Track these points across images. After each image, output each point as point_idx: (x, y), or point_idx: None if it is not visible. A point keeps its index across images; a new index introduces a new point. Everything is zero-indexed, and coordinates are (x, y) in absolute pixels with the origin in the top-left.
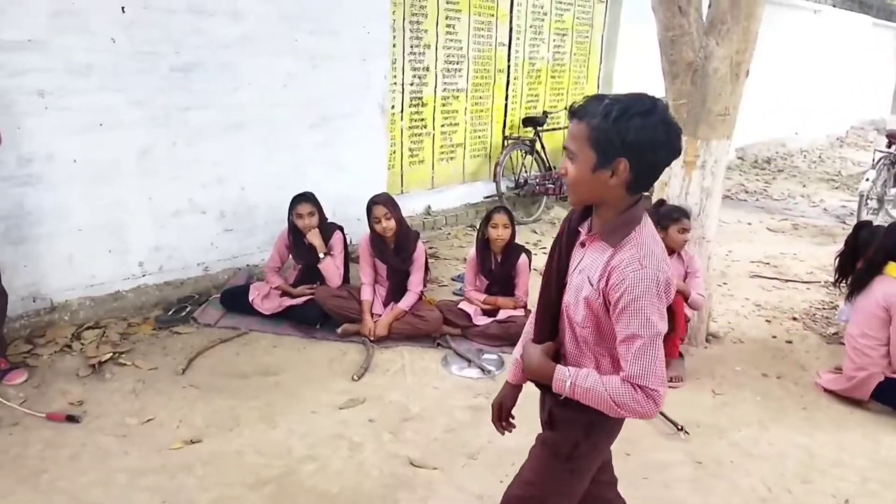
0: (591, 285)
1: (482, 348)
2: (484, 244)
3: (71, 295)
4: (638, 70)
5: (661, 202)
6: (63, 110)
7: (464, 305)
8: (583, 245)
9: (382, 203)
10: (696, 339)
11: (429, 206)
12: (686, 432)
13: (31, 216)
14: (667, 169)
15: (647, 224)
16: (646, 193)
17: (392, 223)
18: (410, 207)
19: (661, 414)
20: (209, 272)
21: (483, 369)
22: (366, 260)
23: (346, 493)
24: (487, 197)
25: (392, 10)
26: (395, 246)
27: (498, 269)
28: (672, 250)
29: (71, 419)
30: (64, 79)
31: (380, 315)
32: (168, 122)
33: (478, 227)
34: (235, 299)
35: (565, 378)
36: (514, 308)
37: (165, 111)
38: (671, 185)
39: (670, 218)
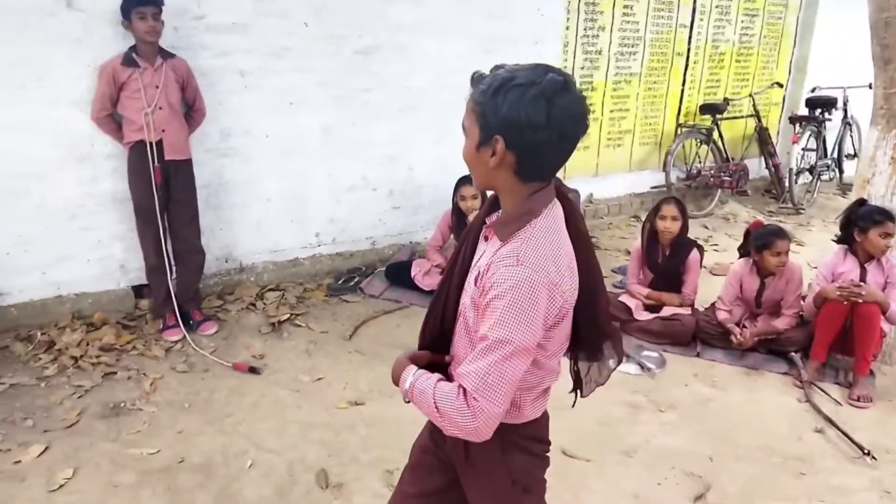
0: (474, 284)
1: (642, 344)
2: (651, 236)
3: (257, 259)
4: (837, 56)
5: (862, 202)
6: (260, 89)
7: (625, 298)
8: (486, 239)
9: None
10: (890, 357)
11: (591, 194)
12: (873, 457)
13: (229, 185)
14: (871, 165)
15: (551, 218)
16: (573, 189)
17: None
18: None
19: (845, 434)
20: (376, 246)
21: (642, 366)
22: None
23: None
24: (655, 187)
25: None
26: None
27: (665, 262)
28: (871, 256)
29: (253, 371)
30: (262, 60)
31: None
32: (349, 102)
33: (645, 217)
34: (399, 274)
35: (407, 377)
36: (680, 306)
37: (347, 92)
38: (874, 183)
39: (871, 220)
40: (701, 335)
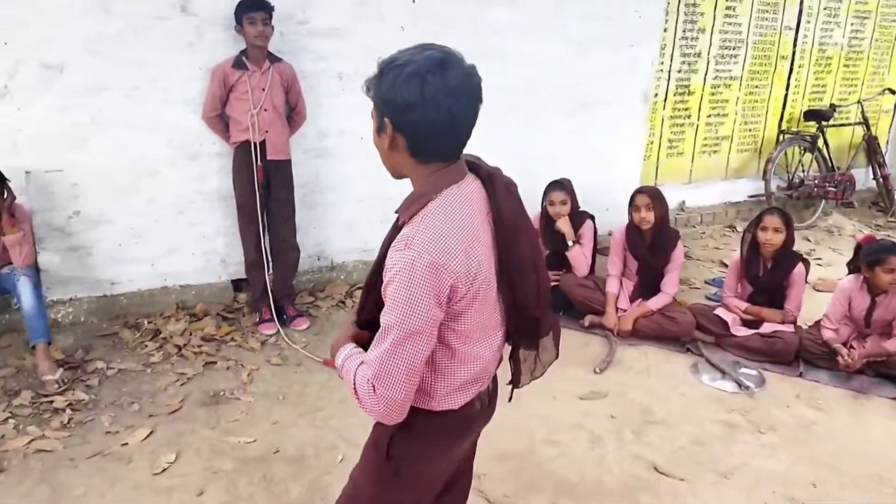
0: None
1: (739, 361)
2: (752, 248)
3: (348, 257)
4: None
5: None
6: (356, 91)
7: (721, 312)
8: (402, 226)
9: (647, 194)
10: None
11: (683, 202)
12: None
13: (323, 185)
14: None
15: (455, 198)
16: (494, 167)
17: (651, 215)
18: None
19: None
20: None
21: (740, 384)
22: (617, 252)
23: (586, 483)
24: (752, 196)
25: None
26: (652, 242)
27: (766, 276)
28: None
29: None
30: (359, 63)
31: (624, 310)
32: None
33: (746, 227)
34: None
35: (340, 355)
36: (782, 322)
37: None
38: None
39: (875, 259)
40: (804, 354)
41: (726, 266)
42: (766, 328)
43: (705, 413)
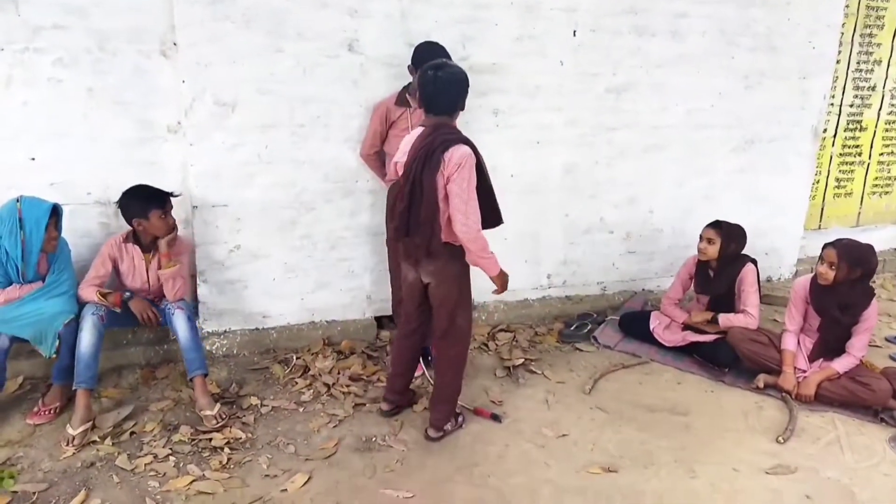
0: None
1: None
2: None
3: (489, 297)
4: None
5: None
6: (510, 128)
7: None
8: None
9: (834, 245)
10: None
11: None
12: None
13: None
14: None
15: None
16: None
17: (832, 274)
18: None
19: None
20: (606, 292)
21: None
22: (797, 305)
23: None
24: None
25: (842, 21)
26: (839, 297)
27: None
28: None
29: (495, 418)
30: (516, 99)
31: (803, 371)
32: (594, 141)
33: None
34: (635, 324)
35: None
36: None
37: (593, 131)
38: None
39: None
40: None
41: None
42: None
43: None
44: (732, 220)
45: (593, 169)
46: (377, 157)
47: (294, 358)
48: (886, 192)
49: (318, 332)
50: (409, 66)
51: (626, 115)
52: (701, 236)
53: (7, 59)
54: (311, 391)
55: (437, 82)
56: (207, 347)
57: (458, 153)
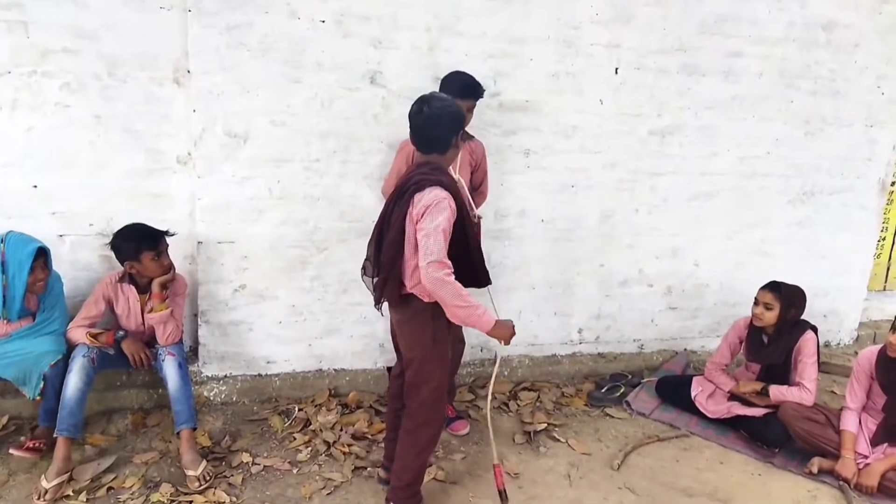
0: None
1: None
2: None
3: (513, 350)
4: None
5: None
6: (542, 170)
7: None
8: None
9: None
10: None
11: None
12: None
13: (495, 269)
14: None
15: None
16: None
17: None
18: (892, 310)
19: None
20: (643, 350)
21: None
22: (861, 380)
23: None
24: None
25: None
26: None
27: None
28: None
29: (501, 497)
30: (549, 139)
31: (864, 456)
32: (634, 186)
33: None
34: (674, 390)
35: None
36: None
37: (634, 175)
38: None
39: None
40: None
41: None
42: None
43: None
44: (788, 279)
45: (633, 216)
46: None
47: (296, 409)
48: None
49: (325, 381)
50: None
51: (672, 160)
52: (757, 300)
53: (14, 82)
54: (310, 449)
55: (423, 117)
56: (205, 393)
57: (429, 195)
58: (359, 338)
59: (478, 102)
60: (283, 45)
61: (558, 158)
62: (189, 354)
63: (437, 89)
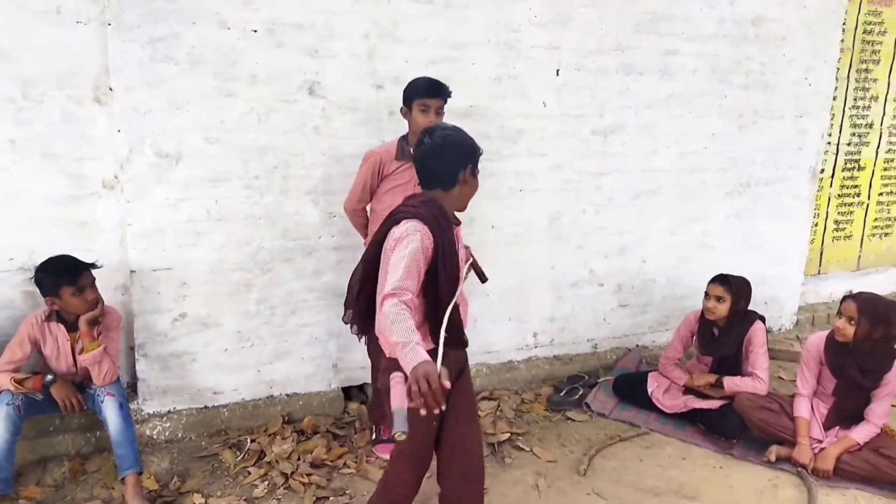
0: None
1: None
2: None
3: (479, 360)
4: None
5: None
6: (490, 176)
7: None
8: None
9: (854, 298)
10: None
11: (850, 292)
12: None
13: None
14: None
15: None
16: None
17: (851, 330)
18: (827, 292)
19: None
20: (598, 350)
21: None
22: (810, 366)
23: None
24: None
25: (838, 57)
26: (859, 358)
27: None
28: None
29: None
30: (496, 144)
31: (819, 441)
32: (580, 187)
33: None
34: (631, 388)
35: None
36: None
37: (580, 176)
38: None
39: None
40: None
41: None
42: None
43: None
44: (729, 269)
45: (580, 217)
46: (365, 213)
47: (248, 441)
48: (886, 234)
49: (277, 407)
50: (401, 109)
51: (615, 159)
52: (708, 294)
53: None
54: (266, 483)
55: (423, 148)
56: (147, 432)
57: (401, 228)
58: (310, 359)
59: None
60: (212, 58)
61: (505, 163)
62: (127, 391)
63: (378, 98)
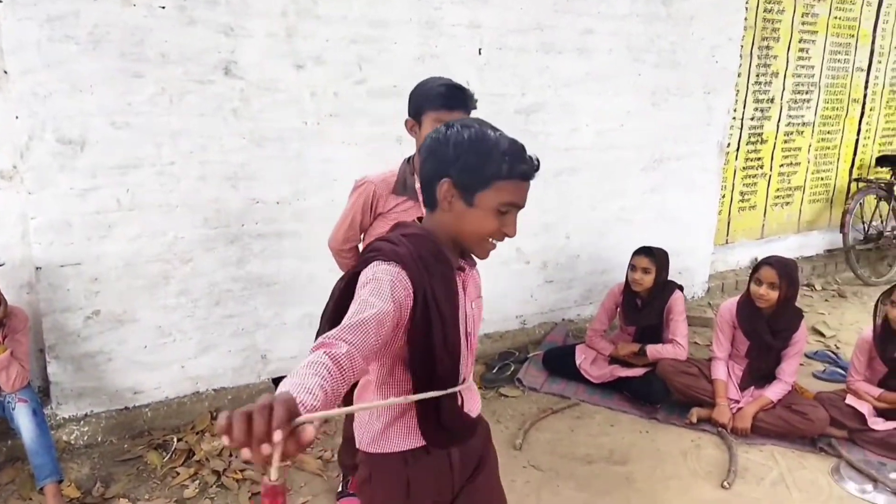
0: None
1: (885, 462)
2: (886, 323)
3: None
4: None
5: None
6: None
7: (853, 402)
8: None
9: (773, 265)
10: None
11: (755, 259)
12: None
13: None
14: None
15: None
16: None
17: (775, 294)
18: (734, 260)
19: None
20: (526, 326)
21: None
22: (724, 330)
23: None
24: (828, 251)
25: (742, 34)
26: (772, 321)
27: None
28: None
29: None
30: None
31: (736, 401)
32: None
33: (878, 299)
34: (560, 361)
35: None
36: None
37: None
38: None
39: None
40: None
41: (819, 334)
42: None
43: None
44: (646, 242)
45: None
46: (355, 253)
47: (174, 441)
48: (787, 203)
49: (204, 404)
50: (406, 121)
51: (537, 138)
52: (634, 266)
53: None
54: (197, 483)
55: (422, 155)
56: (64, 437)
57: (369, 271)
58: (237, 352)
59: (343, 91)
60: (117, 36)
61: None
62: (40, 396)
63: (299, 79)
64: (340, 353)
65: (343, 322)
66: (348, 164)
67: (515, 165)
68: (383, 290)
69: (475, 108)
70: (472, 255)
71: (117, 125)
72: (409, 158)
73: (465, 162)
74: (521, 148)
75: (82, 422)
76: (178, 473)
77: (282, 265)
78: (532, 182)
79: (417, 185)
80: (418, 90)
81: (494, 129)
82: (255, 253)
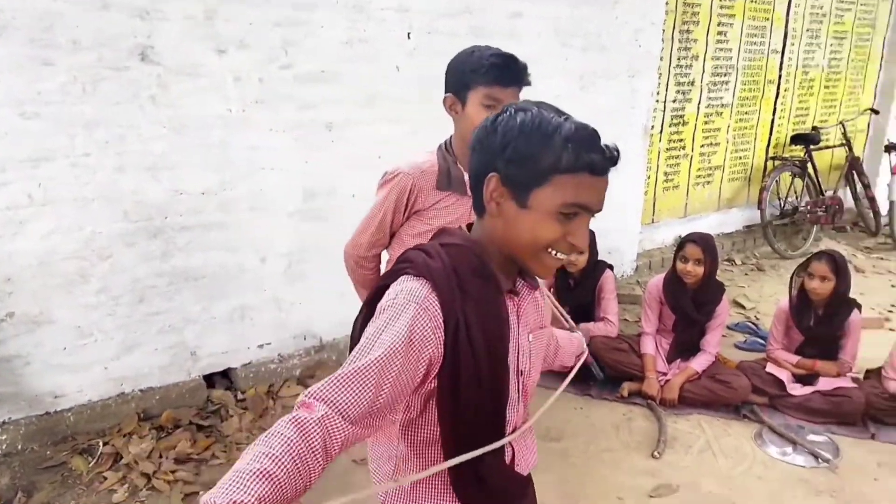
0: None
1: (803, 426)
2: (801, 294)
3: (339, 333)
4: None
5: None
6: (347, 143)
7: (772, 369)
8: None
9: (700, 246)
10: None
11: (679, 237)
12: None
13: (309, 252)
14: None
15: None
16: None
17: (701, 269)
18: (660, 239)
19: None
20: None
21: (816, 456)
22: (652, 306)
23: None
24: (747, 227)
25: (664, 18)
26: (696, 295)
27: (819, 326)
28: None
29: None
30: (350, 111)
31: (664, 374)
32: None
33: (794, 271)
34: None
35: None
36: (838, 375)
37: (440, 141)
38: None
39: None
40: (871, 411)
41: (739, 306)
42: (825, 384)
43: (793, 501)
44: None
45: None
46: (376, 262)
47: (100, 445)
48: (708, 182)
49: (131, 405)
50: (445, 98)
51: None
52: None
53: None
54: (126, 487)
55: (472, 146)
56: None
57: (391, 292)
58: (164, 349)
59: (269, 76)
60: (23, 22)
61: (362, 130)
62: None
63: (221, 64)
64: (311, 421)
65: (339, 370)
66: (275, 151)
67: (582, 155)
68: (399, 325)
69: (529, 83)
70: (532, 274)
71: (27, 115)
72: (445, 143)
73: (515, 151)
74: (592, 133)
75: (1, 430)
76: (105, 478)
77: (208, 258)
78: None
79: (466, 177)
80: (463, 60)
81: (560, 112)
82: (180, 246)
